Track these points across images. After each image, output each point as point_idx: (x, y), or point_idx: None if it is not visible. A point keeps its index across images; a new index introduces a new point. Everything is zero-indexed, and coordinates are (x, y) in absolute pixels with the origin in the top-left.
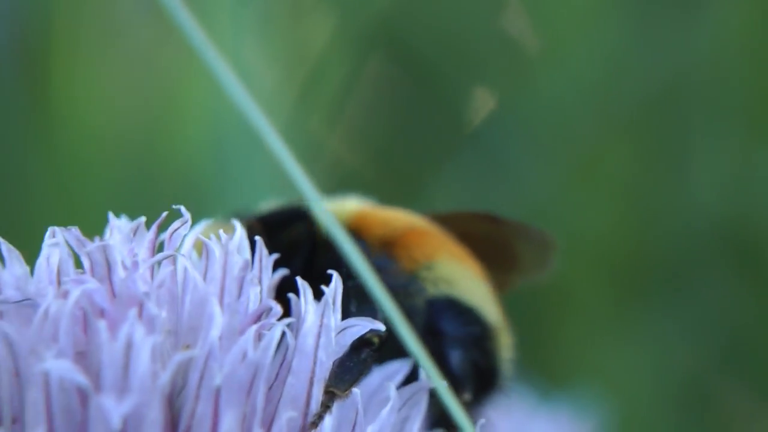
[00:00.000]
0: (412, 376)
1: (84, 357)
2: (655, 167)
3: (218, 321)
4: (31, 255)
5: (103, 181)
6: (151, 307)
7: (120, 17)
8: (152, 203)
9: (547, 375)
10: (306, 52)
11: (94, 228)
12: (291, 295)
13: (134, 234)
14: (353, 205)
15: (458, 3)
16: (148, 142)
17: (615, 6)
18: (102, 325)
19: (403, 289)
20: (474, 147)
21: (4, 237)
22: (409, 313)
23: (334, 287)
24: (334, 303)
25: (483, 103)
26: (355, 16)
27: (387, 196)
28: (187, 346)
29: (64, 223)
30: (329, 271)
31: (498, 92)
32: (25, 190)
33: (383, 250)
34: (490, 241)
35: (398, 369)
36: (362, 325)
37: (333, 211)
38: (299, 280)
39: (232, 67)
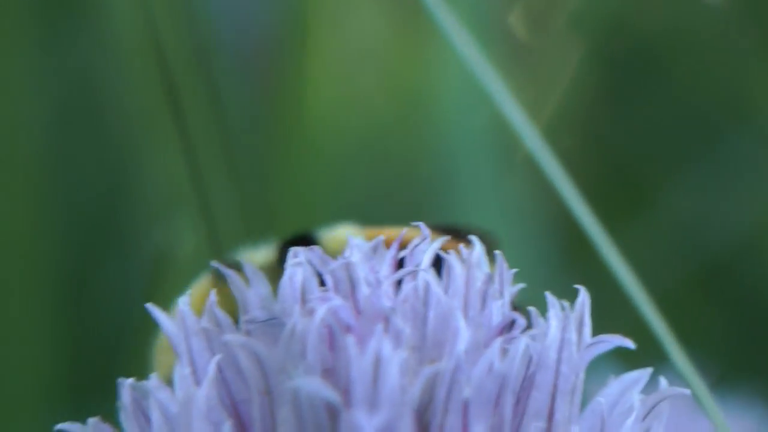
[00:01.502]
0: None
1: (331, 374)
2: None
3: (464, 334)
4: None
5: (345, 179)
6: (398, 321)
7: (363, 20)
8: (391, 203)
9: None
10: (554, 76)
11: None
12: (531, 309)
13: (374, 252)
14: (351, 229)
15: (710, 21)
16: (387, 142)
17: None
18: (350, 340)
19: None
20: (717, 154)
21: (250, 234)
22: None
23: (581, 302)
24: (581, 318)
25: (726, 110)
26: (601, 39)
27: (626, 204)
28: (432, 361)
29: (306, 222)
30: (576, 286)
31: (745, 97)
32: (271, 187)
33: None
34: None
35: (638, 378)
36: (610, 342)
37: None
38: (548, 294)
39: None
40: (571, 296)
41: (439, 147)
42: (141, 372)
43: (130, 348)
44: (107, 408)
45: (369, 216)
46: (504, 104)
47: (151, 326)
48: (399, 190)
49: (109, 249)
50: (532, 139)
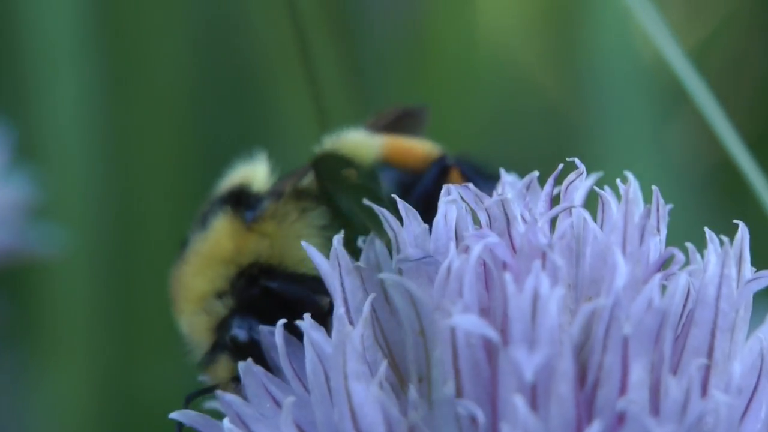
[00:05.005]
0: None
1: (486, 314)
2: None
3: (622, 270)
4: None
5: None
6: (556, 258)
7: None
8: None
9: None
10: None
11: None
12: (688, 244)
13: (527, 189)
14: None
15: None
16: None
17: None
18: (508, 277)
19: None
20: None
21: None
22: None
23: (741, 237)
24: (741, 254)
25: None
26: None
27: None
28: (589, 299)
29: None
30: (735, 221)
31: None
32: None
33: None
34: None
35: None
36: None
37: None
38: (707, 229)
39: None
40: (728, 236)
41: (590, 91)
42: None
43: None
44: None
45: (512, 159)
46: (665, 44)
47: None
48: (544, 132)
49: None
50: (692, 81)
